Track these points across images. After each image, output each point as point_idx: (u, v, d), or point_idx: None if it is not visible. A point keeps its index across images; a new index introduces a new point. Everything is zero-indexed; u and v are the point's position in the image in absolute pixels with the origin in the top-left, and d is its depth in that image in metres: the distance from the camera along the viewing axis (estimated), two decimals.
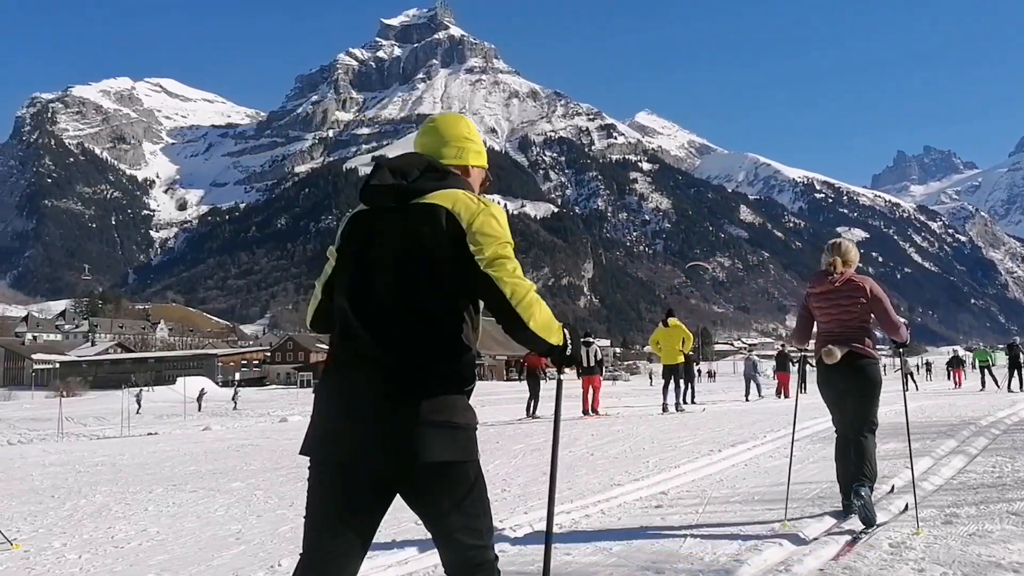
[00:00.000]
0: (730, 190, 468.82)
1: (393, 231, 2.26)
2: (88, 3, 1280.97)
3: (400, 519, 4.48)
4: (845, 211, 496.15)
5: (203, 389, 54.01)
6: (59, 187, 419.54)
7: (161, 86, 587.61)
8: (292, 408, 39.94)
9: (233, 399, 46.22)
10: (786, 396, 21.77)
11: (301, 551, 2.16)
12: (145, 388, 70.41)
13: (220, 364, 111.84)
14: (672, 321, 14.63)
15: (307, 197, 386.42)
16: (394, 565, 4.10)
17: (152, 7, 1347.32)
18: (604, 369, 15.84)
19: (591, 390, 14.63)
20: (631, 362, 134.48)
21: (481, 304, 2.28)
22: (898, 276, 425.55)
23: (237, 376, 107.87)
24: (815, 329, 4.81)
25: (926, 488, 5.60)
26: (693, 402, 16.09)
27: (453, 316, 2.19)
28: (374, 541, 2.19)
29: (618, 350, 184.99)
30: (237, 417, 33.28)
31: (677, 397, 14.33)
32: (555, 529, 4.70)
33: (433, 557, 3.65)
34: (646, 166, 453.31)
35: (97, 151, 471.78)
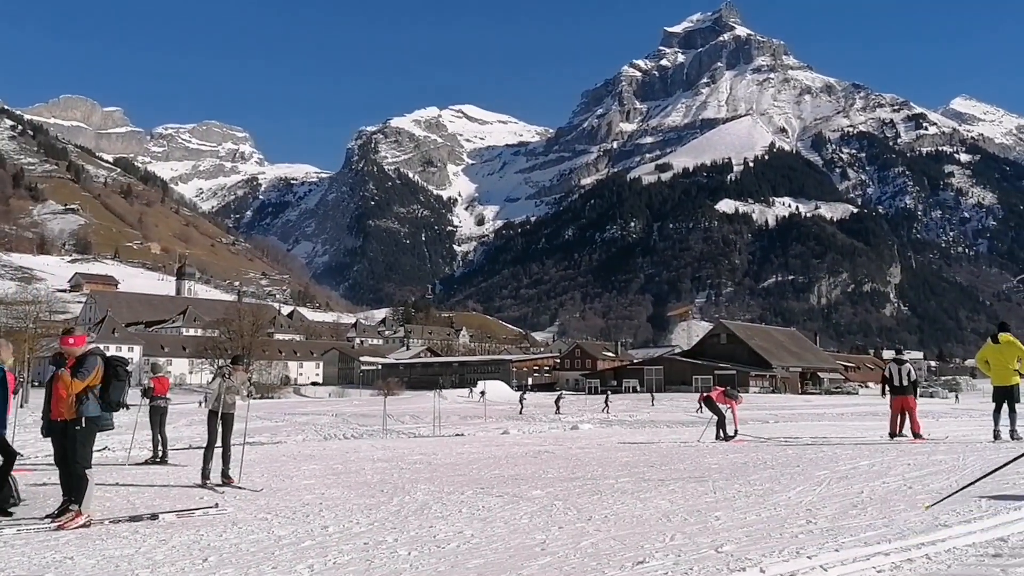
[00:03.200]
0: None
1: None
2: (396, 43, 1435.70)
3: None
4: None
5: (523, 393, 57.10)
6: (380, 209, 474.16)
7: (462, 112, 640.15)
8: (582, 415, 41.09)
9: (606, 403, 47.19)
10: None
11: None
12: (471, 388, 76.50)
13: (514, 369, 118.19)
14: (1004, 336, 12.78)
15: (592, 208, 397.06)
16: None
17: (450, 41, 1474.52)
18: (916, 382, 14.40)
19: (903, 411, 13.72)
20: (949, 377, 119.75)
21: None
22: None
23: (530, 380, 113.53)
24: None
25: None
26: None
27: None
28: None
29: (933, 364, 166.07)
30: (531, 421, 34.94)
31: (1013, 424, 12.47)
32: (873, 573, 4.34)
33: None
34: (964, 157, 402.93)
35: (410, 175, 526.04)
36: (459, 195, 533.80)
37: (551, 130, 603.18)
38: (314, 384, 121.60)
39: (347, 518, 6.84)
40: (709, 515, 6.34)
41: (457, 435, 23.59)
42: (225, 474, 9.60)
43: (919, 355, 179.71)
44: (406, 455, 13.74)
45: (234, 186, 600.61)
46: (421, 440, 20.79)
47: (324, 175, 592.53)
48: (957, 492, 5.80)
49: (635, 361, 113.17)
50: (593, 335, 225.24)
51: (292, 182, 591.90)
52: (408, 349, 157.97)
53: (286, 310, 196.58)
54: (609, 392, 69.10)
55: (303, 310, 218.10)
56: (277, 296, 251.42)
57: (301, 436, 25.13)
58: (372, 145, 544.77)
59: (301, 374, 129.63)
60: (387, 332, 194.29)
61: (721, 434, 16.02)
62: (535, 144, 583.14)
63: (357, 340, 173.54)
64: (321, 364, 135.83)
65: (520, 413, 43.09)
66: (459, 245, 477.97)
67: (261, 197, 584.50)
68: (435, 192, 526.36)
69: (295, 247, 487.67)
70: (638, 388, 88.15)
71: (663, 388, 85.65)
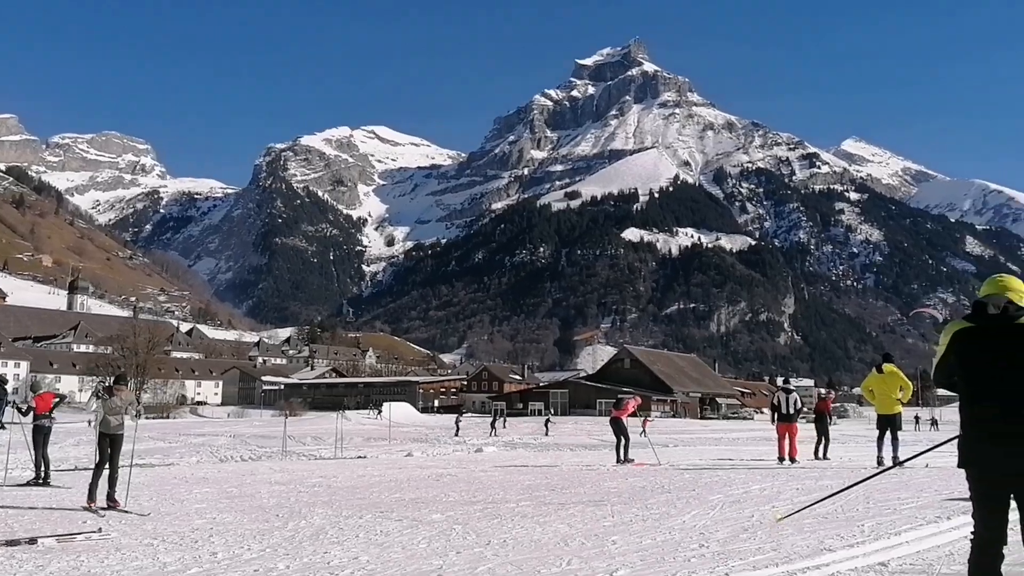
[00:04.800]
0: (953, 220, 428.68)
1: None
2: (307, 60, 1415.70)
3: None
4: None
5: (458, 417, 57.18)
6: (287, 226, 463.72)
7: (375, 133, 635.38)
8: (486, 437, 41.00)
9: (492, 425, 48.14)
10: None
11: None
12: (371, 411, 75.32)
13: (421, 391, 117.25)
14: (888, 367, 13.51)
15: (503, 232, 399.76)
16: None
17: (365, 62, 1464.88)
18: (800, 410, 15.52)
19: (787, 437, 14.74)
20: (838, 404, 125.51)
21: None
22: None
23: (436, 403, 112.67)
24: None
25: None
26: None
27: None
28: None
29: (823, 391, 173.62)
30: (436, 444, 34.63)
31: (895, 451, 13.15)
32: None
33: None
34: (854, 196, 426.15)
35: (319, 193, 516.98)
36: (369, 215, 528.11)
37: (463, 154, 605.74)
38: (213, 404, 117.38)
39: (238, 544, 6.57)
40: (606, 539, 6.39)
41: (359, 457, 23.13)
42: (111, 497, 9.13)
43: (810, 383, 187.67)
44: (305, 478, 13.36)
45: (134, 199, 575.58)
46: (322, 462, 20.26)
47: (230, 191, 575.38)
48: (806, 508, 6.06)
49: (541, 384, 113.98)
50: (501, 358, 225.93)
51: (196, 197, 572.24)
52: (313, 369, 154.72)
53: (185, 327, 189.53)
54: (497, 411, 69.20)
55: (203, 328, 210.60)
56: (176, 313, 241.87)
57: (195, 458, 24.15)
58: (281, 162, 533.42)
59: (199, 393, 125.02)
60: (291, 352, 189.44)
61: (622, 457, 16.25)
62: (447, 167, 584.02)
63: (260, 359, 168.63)
64: (221, 383, 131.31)
65: (456, 435, 42.94)
66: (368, 265, 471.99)
67: (162, 211, 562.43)
68: (345, 211, 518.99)
69: (197, 263, 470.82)
70: (543, 411, 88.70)
71: (568, 411, 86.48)
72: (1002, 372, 3.61)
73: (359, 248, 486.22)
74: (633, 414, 17.06)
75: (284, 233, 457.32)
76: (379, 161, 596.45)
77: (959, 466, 3.73)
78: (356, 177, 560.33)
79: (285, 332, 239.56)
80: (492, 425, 48.26)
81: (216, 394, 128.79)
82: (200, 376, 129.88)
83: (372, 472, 14.58)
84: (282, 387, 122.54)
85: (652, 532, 6.72)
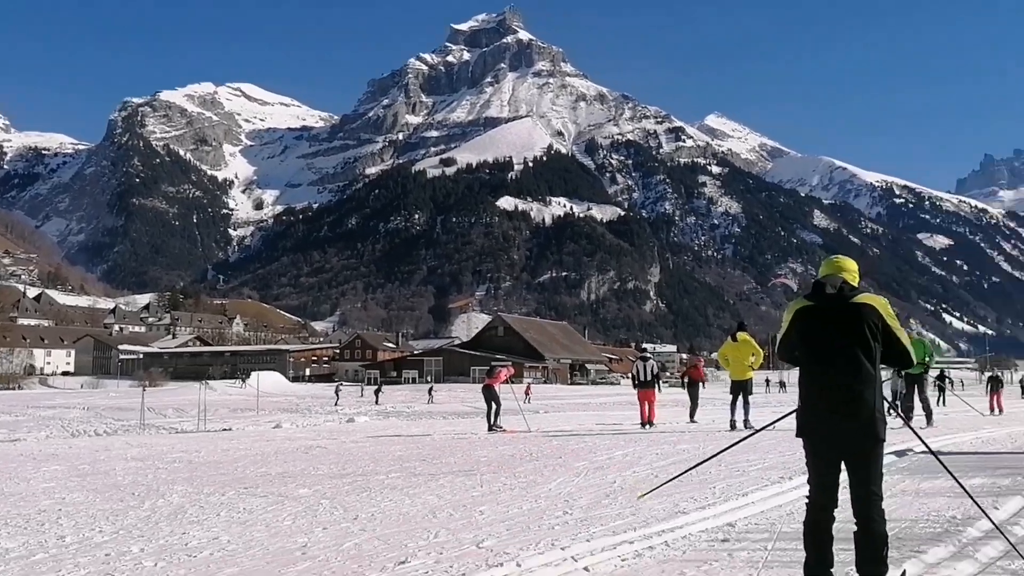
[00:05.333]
0: (803, 194, 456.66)
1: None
2: (174, 11, 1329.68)
3: None
4: (927, 217, 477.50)
5: (339, 385, 56.81)
6: (146, 187, 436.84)
7: (241, 90, 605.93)
8: (359, 407, 40.65)
9: (376, 393, 47.99)
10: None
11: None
12: (238, 381, 72.95)
13: (292, 360, 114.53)
14: (742, 335, 14.34)
15: (377, 198, 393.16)
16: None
17: (231, 15, 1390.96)
18: (660, 382, 16.47)
19: (646, 402, 15.60)
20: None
21: None
22: (985, 286, 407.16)
23: (308, 372, 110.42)
24: None
25: (1017, 533, 5.31)
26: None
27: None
28: None
29: (684, 356, 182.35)
30: (307, 415, 34.02)
31: (746, 414, 14.03)
32: (618, 562, 4.66)
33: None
34: (715, 169, 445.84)
35: (181, 152, 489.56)
36: (236, 177, 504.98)
37: (336, 116, 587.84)
38: (65, 374, 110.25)
39: (89, 526, 6.22)
40: (474, 509, 6.49)
41: (224, 430, 22.40)
42: None
43: (673, 348, 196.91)
44: (164, 453, 12.80)
45: None
46: (183, 436, 19.48)
47: (82, 147, 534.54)
48: (667, 482, 6.40)
49: (415, 352, 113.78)
50: (375, 326, 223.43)
51: (43, 152, 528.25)
52: (175, 338, 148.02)
53: (33, 292, 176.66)
54: (381, 381, 68.73)
55: (53, 293, 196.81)
56: (23, 277, 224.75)
57: (44, 432, 22.70)
58: (139, 118, 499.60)
59: (49, 363, 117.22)
60: (151, 319, 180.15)
61: (493, 424, 16.51)
62: (319, 130, 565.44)
63: (116, 327, 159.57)
64: (73, 352, 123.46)
65: (335, 406, 42.70)
66: (235, 229, 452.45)
67: (5, 167, 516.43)
68: (209, 172, 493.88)
69: (45, 224, 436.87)
70: (417, 379, 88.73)
71: (442, 379, 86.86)
72: (836, 347, 3.92)
73: (225, 211, 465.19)
74: (506, 382, 17.35)
75: (142, 193, 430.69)
76: (246, 120, 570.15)
77: (797, 435, 4.04)
78: (221, 136, 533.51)
79: (144, 298, 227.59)
80: (376, 393, 48.10)
81: (68, 364, 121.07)
82: (50, 344, 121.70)
83: (237, 446, 14.15)
84: (141, 356, 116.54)
85: (519, 500, 6.88)
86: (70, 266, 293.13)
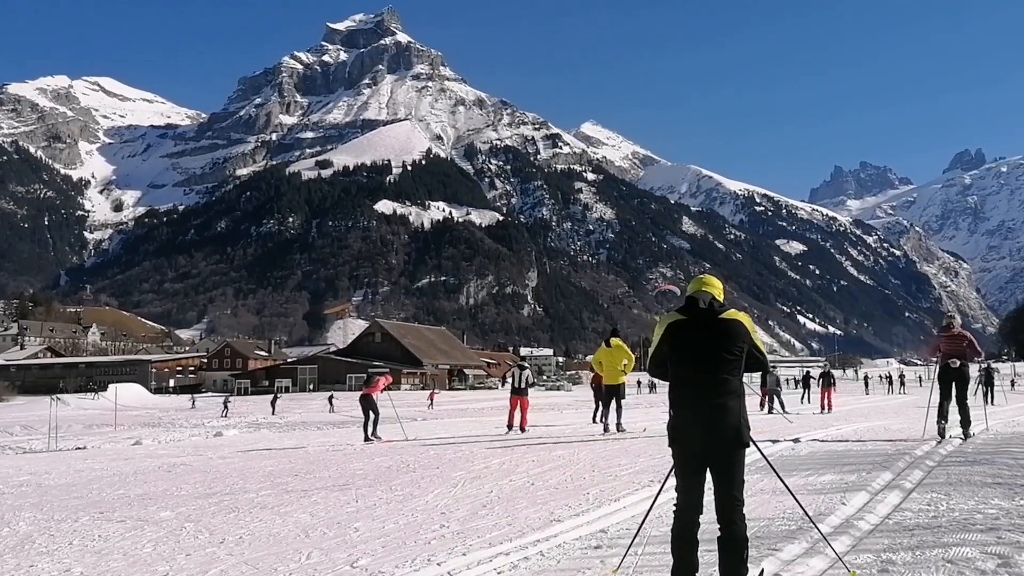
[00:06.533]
0: (673, 201, 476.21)
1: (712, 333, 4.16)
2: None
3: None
4: (784, 224, 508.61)
5: (228, 396, 54.81)
6: None
7: (99, 85, 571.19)
8: (226, 420, 39.05)
9: (272, 404, 46.43)
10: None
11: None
12: (95, 392, 68.50)
13: (154, 370, 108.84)
14: (615, 341, 14.73)
15: (248, 200, 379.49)
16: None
17: (91, 4, 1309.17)
18: (534, 386, 16.92)
19: (519, 408, 15.86)
20: (573, 372, 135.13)
21: None
22: (834, 288, 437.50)
23: (172, 382, 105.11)
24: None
25: (862, 528, 5.69)
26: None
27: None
28: None
29: (561, 359, 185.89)
30: (170, 429, 32.37)
31: (619, 418, 14.44)
32: (494, 574, 4.66)
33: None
34: (591, 176, 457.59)
35: (31, 149, 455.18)
36: (93, 177, 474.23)
37: (204, 115, 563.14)
38: None
39: None
40: (349, 527, 6.34)
41: (78, 448, 20.97)
42: None
43: (549, 351, 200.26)
44: (11, 476, 11.83)
45: None
46: (32, 456, 18.10)
47: None
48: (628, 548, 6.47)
49: (289, 360, 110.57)
50: (246, 333, 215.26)
51: None
52: (23, 348, 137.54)
53: None
54: (279, 388, 66.52)
55: None
56: None
57: None
58: None
59: None
60: None
61: (371, 435, 16.25)
62: (185, 128, 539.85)
63: None
64: None
65: (224, 416, 41.74)
66: (91, 232, 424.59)
67: None
68: (63, 171, 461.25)
69: None
70: (290, 388, 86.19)
71: (317, 387, 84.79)
72: (705, 359, 4.12)
73: (80, 213, 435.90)
74: (384, 390, 17.13)
75: None
76: (105, 117, 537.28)
77: (668, 445, 4.19)
78: (77, 133, 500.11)
79: None
80: (272, 404, 46.70)
81: None
82: None
83: (93, 466, 13.26)
84: None
85: (395, 515, 6.78)
86: None
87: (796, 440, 11.86)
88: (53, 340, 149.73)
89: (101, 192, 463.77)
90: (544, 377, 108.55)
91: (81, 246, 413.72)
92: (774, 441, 11.53)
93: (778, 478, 4.84)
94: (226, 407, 45.71)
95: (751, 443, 4.19)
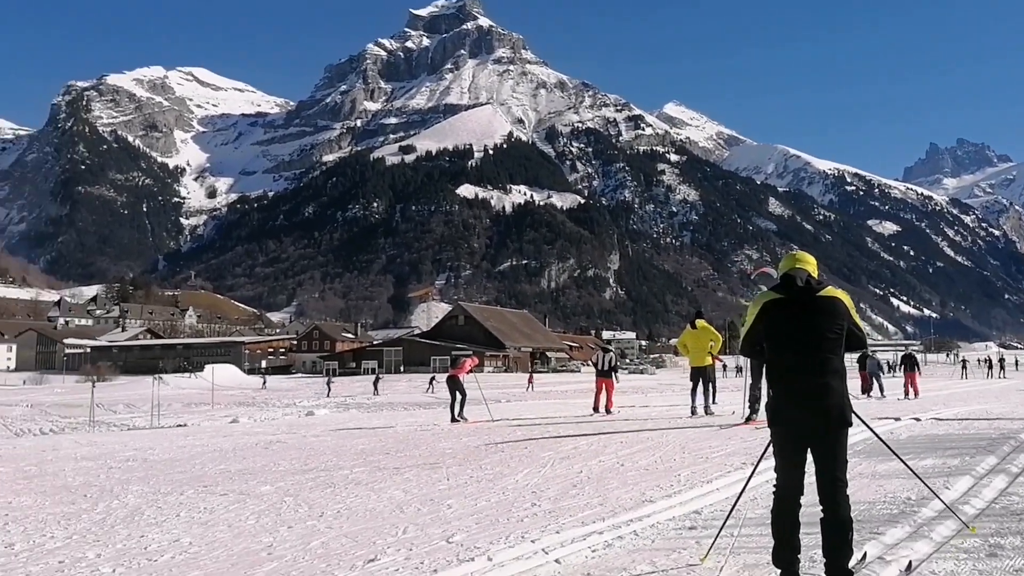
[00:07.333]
0: (759, 182, 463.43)
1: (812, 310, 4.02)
2: None
3: None
4: (876, 204, 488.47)
5: (330, 377, 57.55)
6: (92, 174, 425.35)
7: (193, 75, 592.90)
8: (318, 400, 40.26)
9: (375, 384, 48.09)
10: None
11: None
12: (192, 373, 71.74)
13: (247, 351, 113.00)
14: (700, 323, 14.46)
15: (334, 186, 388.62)
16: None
17: None
18: (619, 369, 17.25)
19: (604, 390, 16.17)
20: (657, 355, 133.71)
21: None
22: (930, 270, 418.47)
23: (264, 364, 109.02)
24: None
25: (967, 512, 5.45)
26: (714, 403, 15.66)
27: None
28: None
29: (644, 343, 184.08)
30: (264, 408, 33.59)
31: (707, 400, 14.19)
32: (588, 552, 4.64)
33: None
34: (674, 157, 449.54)
35: (130, 139, 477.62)
36: (188, 164, 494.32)
37: (292, 103, 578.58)
38: (6, 370, 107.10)
39: (39, 532, 5.99)
40: (442, 503, 6.43)
41: (179, 426, 21.98)
42: None
43: (632, 335, 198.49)
44: (117, 451, 12.44)
45: None
46: (136, 433, 19.06)
47: (22, 132, 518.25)
48: (718, 534, 6.39)
49: (375, 342, 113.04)
50: (333, 316, 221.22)
51: None
52: (124, 331, 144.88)
53: None
54: (380, 371, 68.29)
55: None
56: None
57: None
58: (84, 102, 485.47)
59: None
60: (99, 312, 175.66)
61: (457, 415, 16.44)
62: (274, 116, 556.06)
63: (61, 320, 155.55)
64: (15, 347, 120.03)
65: (328, 396, 43.33)
66: (187, 218, 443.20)
67: None
68: (160, 159, 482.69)
69: None
70: (376, 369, 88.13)
71: (402, 369, 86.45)
72: (805, 338, 3.99)
73: (176, 200, 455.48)
74: (470, 372, 17.32)
75: (88, 181, 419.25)
76: (198, 106, 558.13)
77: (768, 425, 4.08)
78: (172, 122, 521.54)
79: (91, 290, 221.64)
80: (374, 384, 48.23)
81: (9, 359, 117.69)
82: None
83: (194, 442, 13.84)
84: (88, 350, 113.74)
85: (487, 493, 6.84)
86: (10, 256, 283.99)
87: (896, 420, 11.41)
88: (152, 322, 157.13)
89: (196, 179, 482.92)
90: (627, 361, 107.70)
91: (178, 231, 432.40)
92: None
93: (895, 455, 4.68)
94: (329, 387, 47.73)
95: (858, 420, 4.07)
